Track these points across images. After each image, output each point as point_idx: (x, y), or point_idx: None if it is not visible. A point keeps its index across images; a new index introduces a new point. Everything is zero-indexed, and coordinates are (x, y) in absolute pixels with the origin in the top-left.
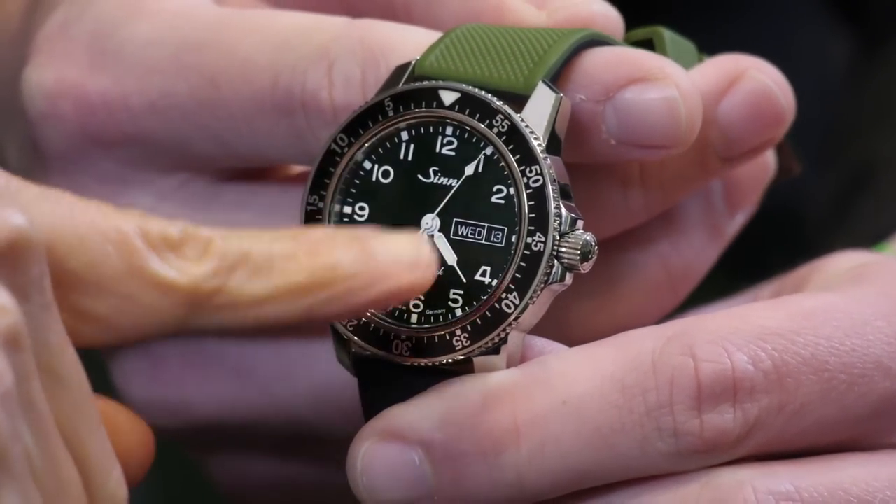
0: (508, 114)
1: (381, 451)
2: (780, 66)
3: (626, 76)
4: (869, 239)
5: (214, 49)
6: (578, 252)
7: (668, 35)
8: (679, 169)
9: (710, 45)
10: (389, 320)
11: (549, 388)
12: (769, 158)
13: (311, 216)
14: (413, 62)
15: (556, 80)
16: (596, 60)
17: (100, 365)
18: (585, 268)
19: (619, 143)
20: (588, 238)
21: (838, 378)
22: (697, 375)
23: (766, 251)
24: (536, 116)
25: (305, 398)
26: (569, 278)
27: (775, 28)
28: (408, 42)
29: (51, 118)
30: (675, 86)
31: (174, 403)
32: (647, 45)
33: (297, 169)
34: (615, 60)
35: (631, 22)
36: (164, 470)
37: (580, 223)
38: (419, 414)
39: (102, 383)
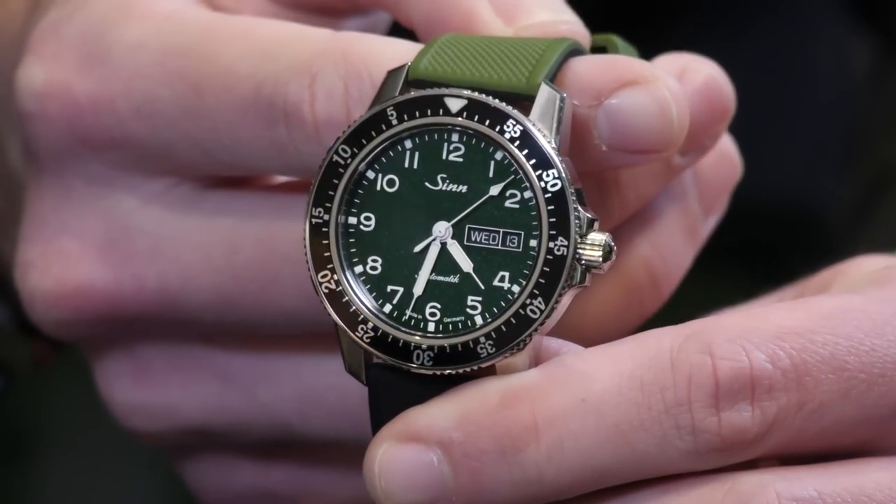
0: (520, 118)
1: (399, 452)
2: (801, 70)
3: (616, 80)
4: (891, 242)
5: (198, 55)
6: (600, 254)
7: (620, 42)
8: (648, 168)
9: (730, 50)
10: (407, 330)
11: (567, 386)
12: (736, 160)
13: (317, 229)
14: (406, 66)
15: (552, 83)
16: (586, 66)
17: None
18: (605, 268)
19: (610, 148)
20: (606, 238)
21: (858, 378)
22: (715, 373)
23: (788, 255)
24: (544, 118)
25: (291, 403)
26: (588, 279)
27: (796, 33)
28: (391, 55)
29: (39, 118)
30: (666, 88)
31: (158, 407)
32: (602, 52)
33: (280, 178)
34: (605, 65)
35: (652, 27)
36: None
37: (596, 224)
38: (437, 414)
39: (88, 386)
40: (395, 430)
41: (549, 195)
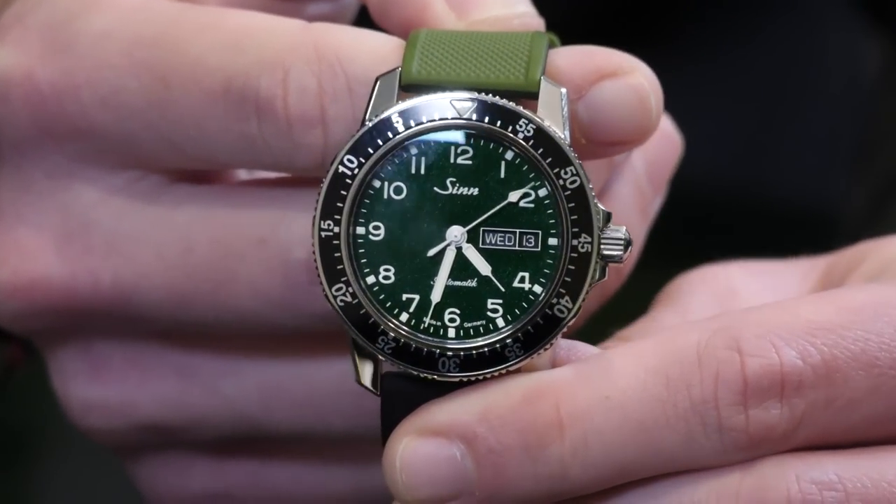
0: (531, 117)
1: (422, 447)
2: (813, 71)
3: (596, 72)
4: None
5: (166, 46)
6: (622, 247)
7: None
8: (592, 154)
9: (741, 52)
10: (428, 338)
11: (592, 383)
12: (677, 138)
13: (327, 242)
14: (397, 70)
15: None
16: (565, 59)
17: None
18: (625, 259)
19: (590, 141)
20: (625, 232)
21: (888, 374)
22: (744, 370)
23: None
24: (552, 114)
25: (255, 395)
26: (607, 273)
27: (807, 34)
28: (364, 48)
29: (1, 105)
30: (644, 77)
31: (115, 404)
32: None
33: (244, 174)
34: (583, 57)
35: (664, 29)
36: None
37: (612, 217)
38: (459, 409)
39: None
40: (416, 425)
41: (569, 192)
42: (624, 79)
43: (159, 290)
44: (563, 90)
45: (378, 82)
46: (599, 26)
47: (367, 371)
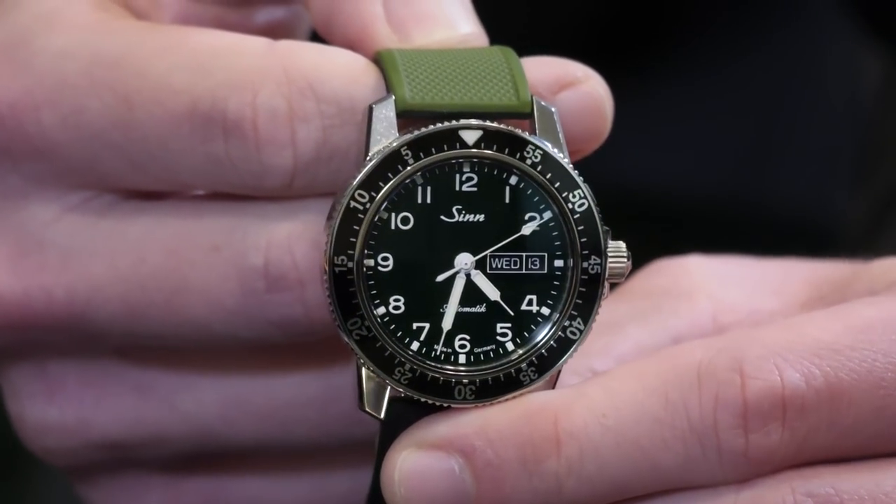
0: (537, 142)
1: (421, 459)
2: (812, 84)
3: (556, 83)
4: None
5: (128, 67)
6: (625, 264)
7: None
8: None
9: (741, 65)
10: (441, 366)
11: (590, 401)
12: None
13: (342, 277)
14: (391, 98)
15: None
16: (529, 72)
17: None
18: (626, 272)
19: None
20: (624, 247)
21: (894, 395)
22: (744, 393)
23: None
24: (550, 135)
25: (215, 409)
26: (608, 289)
27: (806, 46)
28: (334, 68)
29: None
30: (599, 85)
31: (72, 424)
32: None
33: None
34: (542, 68)
35: (663, 43)
36: None
37: (609, 233)
38: (459, 423)
39: None
40: (415, 438)
41: (578, 216)
42: (581, 87)
43: (113, 303)
44: (554, 109)
45: (373, 111)
46: (599, 43)
47: (372, 397)
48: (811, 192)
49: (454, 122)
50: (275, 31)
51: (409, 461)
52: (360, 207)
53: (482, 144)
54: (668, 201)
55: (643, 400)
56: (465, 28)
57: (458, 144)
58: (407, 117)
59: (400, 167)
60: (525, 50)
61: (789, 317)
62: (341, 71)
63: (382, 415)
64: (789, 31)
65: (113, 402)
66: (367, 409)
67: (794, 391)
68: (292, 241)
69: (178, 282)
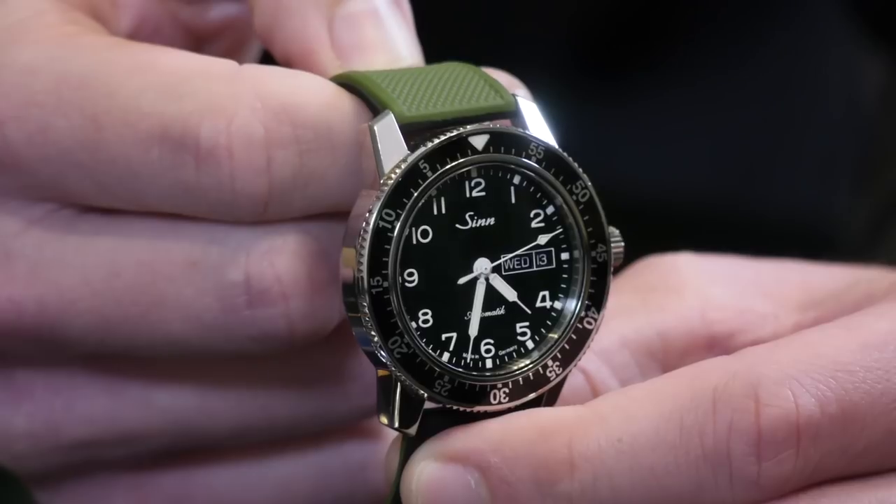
0: (539, 140)
1: (439, 472)
2: (812, 88)
3: (507, 82)
4: None
5: (96, 87)
6: (622, 246)
7: None
8: None
9: (742, 71)
10: (468, 372)
11: (606, 424)
12: None
13: (379, 298)
14: (389, 115)
15: None
16: None
17: None
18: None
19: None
20: (617, 231)
21: None
22: (758, 421)
23: None
24: (541, 131)
25: (192, 401)
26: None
27: (808, 52)
28: (308, 94)
29: None
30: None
31: (40, 431)
32: None
33: None
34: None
35: (664, 46)
36: None
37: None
38: (478, 437)
39: None
40: (435, 449)
41: (582, 206)
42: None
43: (86, 316)
44: (535, 105)
45: (375, 130)
46: (599, 46)
47: (406, 414)
48: (810, 196)
49: (462, 130)
50: (227, 28)
51: (427, 472)
52: (388, 226)
53: (490, 148)
54: (666, 204)
55: (659, 426)
56: (403, 53)
57: (469, 151)
58: (408, 131)
59: (420, 181)
60: (526, 50)
61: (802, 330)
62: (316, 96)
63: (415, 430)
64: (790, 35)
65: (85, 406)
66: (397, 426)
67: (808, 419)
68: (273, 254)
69: (154, 297)
